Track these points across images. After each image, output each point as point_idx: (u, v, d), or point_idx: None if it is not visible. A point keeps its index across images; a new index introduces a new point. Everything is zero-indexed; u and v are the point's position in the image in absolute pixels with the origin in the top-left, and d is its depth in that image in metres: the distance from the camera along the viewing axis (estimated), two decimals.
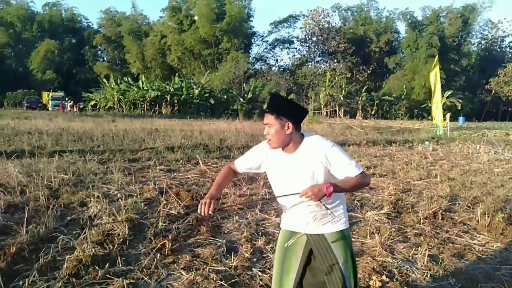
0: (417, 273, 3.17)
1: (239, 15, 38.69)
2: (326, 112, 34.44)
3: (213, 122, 21.27)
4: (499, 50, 51.37)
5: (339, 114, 32.53)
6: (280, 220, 4.39)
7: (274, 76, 40.93)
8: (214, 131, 14.30)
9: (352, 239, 3.52)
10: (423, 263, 3.34)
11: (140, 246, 3.46)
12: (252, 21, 43.05)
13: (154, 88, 31.48)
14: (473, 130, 22.58)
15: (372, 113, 37.23)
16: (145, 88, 31.44)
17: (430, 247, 3.72)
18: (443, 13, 43.73)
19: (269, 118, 1.84)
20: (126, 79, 33.79)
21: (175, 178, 6.49)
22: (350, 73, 41.83)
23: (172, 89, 31.17)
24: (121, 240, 3.51)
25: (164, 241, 3.46)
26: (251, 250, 3.46)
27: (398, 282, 2.97)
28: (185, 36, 38.92)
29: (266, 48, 46.48)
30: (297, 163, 1.88)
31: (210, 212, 1.82)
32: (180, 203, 4.82)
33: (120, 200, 4.59)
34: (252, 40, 45.13)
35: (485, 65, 46.32)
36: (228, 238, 3.83)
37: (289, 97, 33.14)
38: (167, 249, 3.35)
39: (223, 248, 3.51)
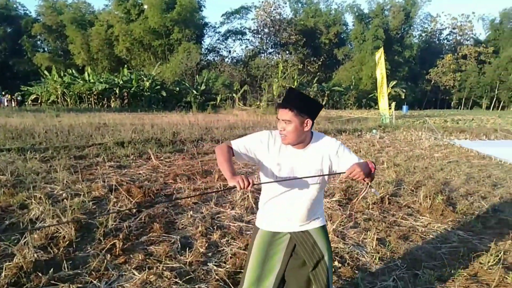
0: (367, 256, 3.32)
1: (190, 5, 37.73)
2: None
3: (165, 115, 20.73)
4: (437, 42, 54.88)
5: None
6: (236, 213, 4.40)
7: (227, 67, 40.62)
8: (167, 124, 13.92)
9: None
10: (372, 246, 3.50)
11: (89, 248, 3.28)
12: (203, 11, 42.41)
13: (102, 80, 29.93)
14: (415, 118, 24.01)
15: (323, 103, 38.27)
16: (92, 80, 29.80)
17: (379, 231, 3.91)
18: (387, 7, 45.80)
19: (288, 114, 1.77)
20: (71, 71, 31.75)
21: (126, 174, 6.24)
22: (301, 65, 42.64)
23: (121, 82, 29.83)
24: (67, 243, 3.31)
25: (115, 241, 3.32)
26: (206, 245, 3.42)
27: (349, 267, 3.09)
28: (134, 26, 37.27)
29: (218, 39, 45.92)
30: (306, 159, 1.87)
31: (251, 187, 1.66)
32: (132, 200, 4.66)
33: (65, 200, 4.34)
34: (204, 31, 44.32)
35: (425, 57, 49.29)
36: (183, 233, 3.76)
37: (242, 89, 33.21)
38: (117, 249, 3.22)
39: (178, 245, 3.44)
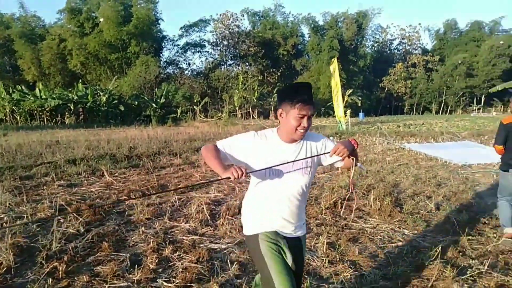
0: (317, 261, 3.39)
1: (147, 18, 37.24)
2: (241, 114, 35.06)
3: (123, 130, 20.14)
4: (389, 51, 57.68)
5: (253, 116, 33.40)
6: (190, 226, 4.33)
7: (187, 79, 40.30)
8: (124, 139, 13.56)
9: None
10: (323, 250, 3.58)
11: (29, 273, 3.11)
12: (160, 24, 41.91)
13: (54, 96, 28.62)
14: (371, 124, 24.99)
15: None
16: (44, 96, 28.40)
17: (330, 235, 4.01)
18: (340, 19, 47.64)
19: (311, 110, 1.82)
20: (20, 88, 30.15)
21: (77, 193, 5.99)
22: (261, 76, 43.18)
23: (75, 97, 28.68)
24: (5, 269, 3.12)
25: (58, 264, 3.17)
26: (156, 261, 3.35)
27: None
28: (88, 40, 36.05)
29: (177, 52, 45.50)
30: (300, 152, 1.91)
31: (244, 176, 1.72)
32: (80, 219, 4.48)
33: (5, 224, 4.08)
34: (163, 44, 43.83)
35: (378, 66, 51.58)
36: (133, 251, 3.66)
37: (203, 101, 33.05)
38: (60, 272, 3.07)
39: (127, 263, 3.34)
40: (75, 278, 3.04)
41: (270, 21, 47.97)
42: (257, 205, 1.97)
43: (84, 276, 3.03)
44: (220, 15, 45.13)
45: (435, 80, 48.94)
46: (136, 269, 3.15)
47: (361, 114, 35.10)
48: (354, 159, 1.87)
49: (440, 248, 3.40)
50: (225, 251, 3.64)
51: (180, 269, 3.20)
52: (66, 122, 27.63)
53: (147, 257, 3.46)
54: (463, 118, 31.42)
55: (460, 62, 46.77)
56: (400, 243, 3.80)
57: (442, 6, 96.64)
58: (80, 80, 33.28)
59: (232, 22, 44.82)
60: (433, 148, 11.12)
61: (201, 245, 3.78)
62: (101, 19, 35.82)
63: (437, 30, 55.27)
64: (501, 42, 45.39)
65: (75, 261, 3.36)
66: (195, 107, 32.44)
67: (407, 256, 3.44)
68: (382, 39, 55.58)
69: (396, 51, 57.46)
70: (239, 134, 1.97)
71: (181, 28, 44.82)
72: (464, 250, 3.62)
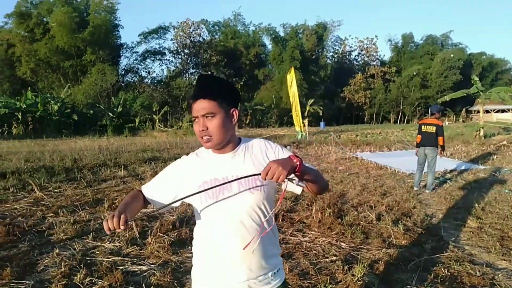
0: None
1: (104, 25, 36.08)
2: None
3: (75, 141, 19.16)
4: (348, 62, 59.54)
5: None
6: (114, 245, 3.96)
7: (147, 88, 39.33)
8: (72, 150, 12.80)
9: None
10: None
11: None
12: (119, 31, 40.66)
13: (1, 105, 26.86)
14: (330, 133, 25.44)
15: (247, 122, 38.86)
16: None
17: None
18: (300, 30, 48.67)
19: (209, 105, 1.31)
20: None
21: None
22: None
23: (24, 106, 27.06)
24: None
25: None
26: None
27: None
28: (38, 46, 34.29)
29: (136, 59, 44.37)
30: (240, 163, 1.39)
31: (121, 226, 1.18)
32: None
33: None
34: (121, 52, 42.59)
35: (339, 76, 53.03)
36: (40, 277, 3.25)
37: (163, 110, 32.25)
38: None
39: None
40: None
41: (231, 30, 48.08)
42: (201, 248, 1.44)
43: None
44: (181, 23, 44.68)
45: (392, 90, 50.96)
46: None
47: (322, 124, 35.72)
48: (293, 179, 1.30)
49: (367, 262, 3.27)
50: (145, 273, 3.31)
51: None
52: (13, 133, 25.94)
53: (54, 283, 3.07)
54: None
55: (415, 73, 49.11)
56: (334, 257, 3.64)
57: (400, 20, 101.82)
58: (30, 88, 31.50)
59: (193, 30, 44.46)
60: (384, 157, 11.33)
61: (121, 267, 3.43)
62: (54, 25, 34.18)
63: (396, 42, 57.75)
64: (452, 55, 48.20)
65: None
66: (154, 116, 31.62)
67: (338, 272, 3.28)
68: (342, 50, 57.29)
69: (355, 62, 59.40)
70: (167, 167, 1.52)
71: (139, 35, 43.82)
72: (397, 262, 3.52)
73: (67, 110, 28.42)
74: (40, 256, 3.71)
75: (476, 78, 19.49)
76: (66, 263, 3.46)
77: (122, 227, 1.19)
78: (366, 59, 57.76)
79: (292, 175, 1.28)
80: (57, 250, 3.76)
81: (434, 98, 48.86)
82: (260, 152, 1.44)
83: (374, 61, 57.74)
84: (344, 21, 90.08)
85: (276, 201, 1.41)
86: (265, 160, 1.41)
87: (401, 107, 51.81)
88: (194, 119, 1.36)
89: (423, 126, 6.89)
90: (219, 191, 1.35)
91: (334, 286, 3.02)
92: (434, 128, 6.71)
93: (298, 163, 1.25)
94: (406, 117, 52.48)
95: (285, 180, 1.23)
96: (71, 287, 3.06)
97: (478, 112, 44.90)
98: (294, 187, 1.33)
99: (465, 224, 4.75)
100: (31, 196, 6.31)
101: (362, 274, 3.15)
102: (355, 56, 59.19)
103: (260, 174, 1.24)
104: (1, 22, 41.09)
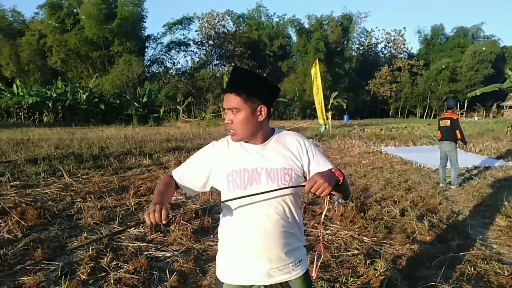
0: None
1: (131, 17, 36.69)
2: None
3: (102, 129, 19.69)
4: (374, 55, 58.22)
5: None
6: (139, 231, 4.07)
7: (171, 79, 39.87)
8: (99, 138, 13.18)
9: None
10: None
11: None
12: (145, 22, 41.30)
13: (33, 93, 27.88)
14: (354, 127, 25.04)
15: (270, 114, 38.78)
16: (21, 93, 27.63)
17: None
18: (325, 21, 47.87)
19: (235, 100, 1.34)
20: None
21: (30, 194, 5.67)
22: None
23: (54, 94, 28.01)
24: None
25: None
26: (89, 271, 3.08)
27: None
28: (69, 36, 35.31)
29: (161, 50, 44.96)
30: (270, 156, 1.41)
31: (163, 221, 1.22)
32: (23, 223, 4.18)
33: None
34: (147, 43, 43.28)
35: (364, 69, 51.98)
36: (70, 259, 3.38)
37: (187, 100, 32.63)
38: None
39: (57, 272, 3.06)
40: None
41: (256, 21, 47.83)
42: (225, 236, 1.49)
43: None
44: (206, 14, 44.82)
45: (419, 84, 49.57)
46: (63, 280, 2.88)
47: (345, 117, 35.21)
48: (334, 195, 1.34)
49: (390, 258, 3.22)
50: (168, 259, 3.39)
51: (112, 280, 2.94)
52: (44, 120, 26.93)
53: (82, 265, 3.19)
54: None
55: (444, 67, 47.50)
56: (356, 251, 3.61)
57: (429, 10, 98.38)
58: (60, 78, 32.53)
59: (218, 21, 44.53)
60: (409, 151, 11.06)
61: (145, 252, 3.53)
62: (83, 16, 35.05)
63: (426, 34, 55.97)
64: (484, 48, 46.29)
65: (0, 271, 3.07)
66: (178, 106, 32.04)
67: (360, 266, 3.25)
68: (368, 42, 56.01)
69: (381, 54, 57.99)
70: (197, 152, 1.54)
71: (164, 26, 44.26)
72: (421, 259, 3.46)
73: (95, 100, 29.21)
74: (69, 239, 3.87)
75: (510, 72, 18.60)
76: (94, 246, 3.59)
77: (163, 222, 1.23)
78: (393, 51, 56.32)
79: (333, 192, 1.31)
80: (85, 234, 3.91)
81: (463, 93, 47.16)
82: (294, 147, 1.45)
83: (401, 53, 56.27)
84: (371, 13, 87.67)
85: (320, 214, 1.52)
86: (297, 158, 1.43)
87: (428, 101, 50.33)
88: (224, 109, 1.41)
89: (440, 121, 6.93)
90: (248, 182, 1.37)
91: (355, 279, 3.00)
92: (449, 121, 6.71)
93: (341, 178, 1.29)
94: (433, 111, 50.93)
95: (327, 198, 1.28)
96: (98, 269, 3.18)
97: (511, 107, 43.22)
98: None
99: (493, 222, 4.59)
100: (61, 181, 6.56)
101: (385, 269, 3.11)
102: (381, 48, 57.81)
103: (304, 186, 1.25)
104: (33, 13, 42.30)
